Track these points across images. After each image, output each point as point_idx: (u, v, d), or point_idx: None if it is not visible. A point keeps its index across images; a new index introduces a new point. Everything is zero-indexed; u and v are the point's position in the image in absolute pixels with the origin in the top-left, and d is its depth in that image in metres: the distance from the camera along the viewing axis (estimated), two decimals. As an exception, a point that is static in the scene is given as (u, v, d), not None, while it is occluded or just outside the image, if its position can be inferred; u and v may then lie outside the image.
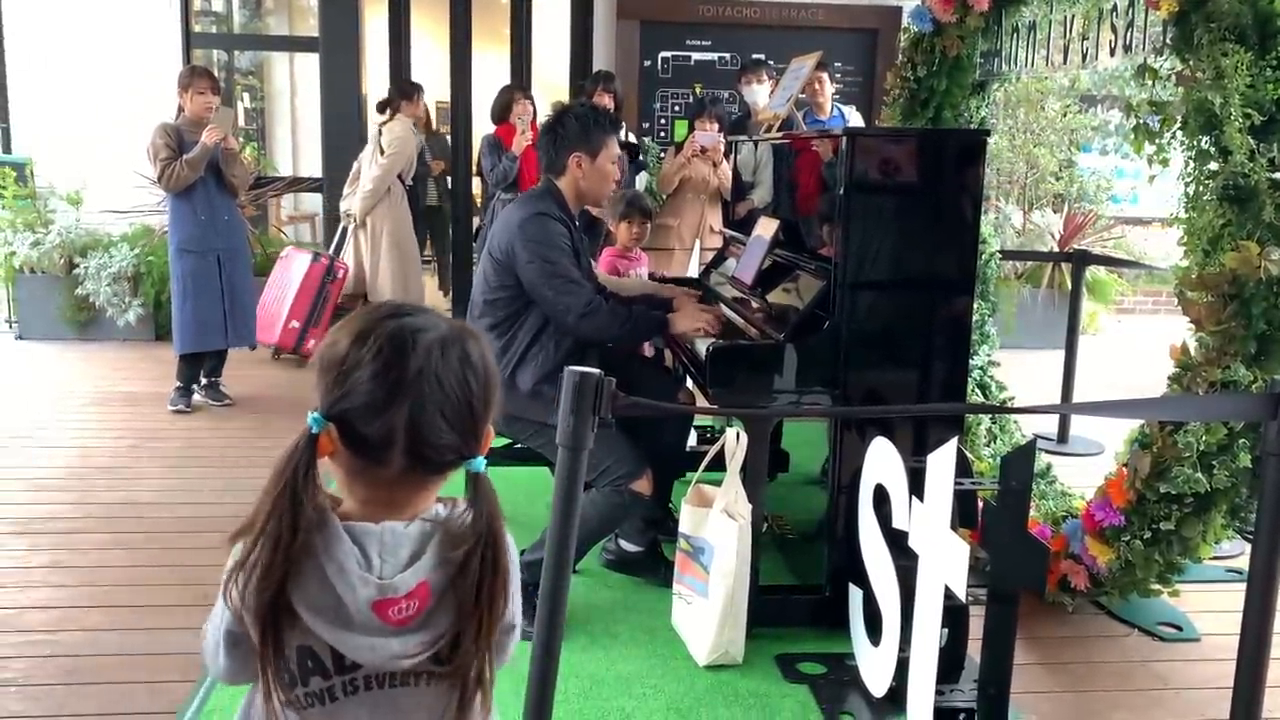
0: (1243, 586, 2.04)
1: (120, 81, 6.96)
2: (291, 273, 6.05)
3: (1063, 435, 4.91)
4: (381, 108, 6.27)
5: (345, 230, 6.29)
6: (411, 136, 6.18)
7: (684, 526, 2.83)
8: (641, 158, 5.92)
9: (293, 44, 8.55)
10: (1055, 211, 7.66)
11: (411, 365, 1.09)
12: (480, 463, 1.14)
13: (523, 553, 2.99)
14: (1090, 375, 5.29)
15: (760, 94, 5.66)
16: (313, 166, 7.68)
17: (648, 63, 7.20)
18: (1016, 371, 4.53)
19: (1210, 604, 3.18)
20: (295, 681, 1.13)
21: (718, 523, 2.72)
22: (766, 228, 3.43)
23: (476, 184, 7.23)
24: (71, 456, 4.36)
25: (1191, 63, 2.59)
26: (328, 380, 1.11)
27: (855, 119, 5.91)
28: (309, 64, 7.77)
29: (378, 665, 1.13)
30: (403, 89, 6.26)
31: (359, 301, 6.26)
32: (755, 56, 6.44)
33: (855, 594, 2.62)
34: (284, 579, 1.08)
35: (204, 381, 5.25)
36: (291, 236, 8.20)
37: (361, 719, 1.16)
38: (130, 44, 6.95)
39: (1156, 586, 2.86)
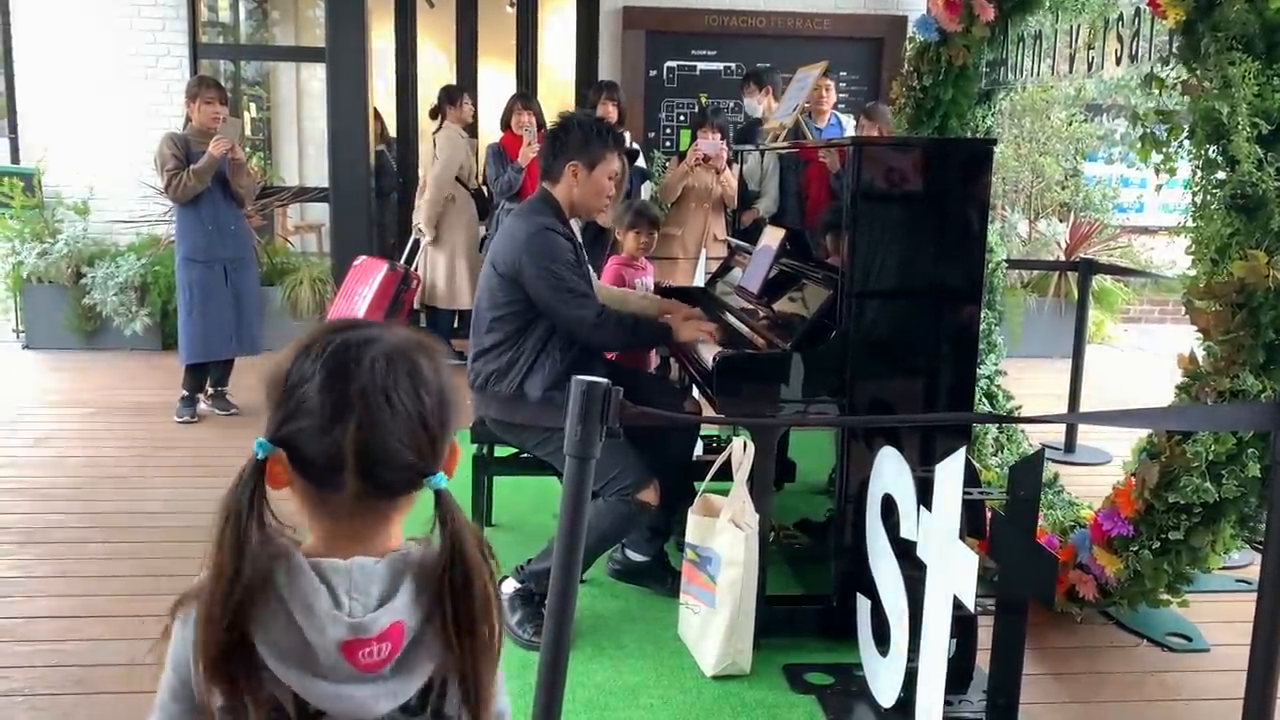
0: (1253, 596, 2.04)
1: (127, 92, 6.99)
2: (367, 281, 6.12)
3: (1070, 445, 4.90)
4: (432, 114, 6.28)
5: (417, 242, 6.33)
6: (459, 141, 6.19)
7: (691, 536, 2.82)
8: (644, 164, 5.93)
9: (299, 54, 8.57)
10: (1061, 221, 7.65)
11: (356, 380, 1.02)
12: (441, 479, 1.05)
13: (529, 562, 2.99)
14: (1097, 384, 5.28)
15: (757, 107, 5.70)
16: (319, 177, 7.69)
17: (653, 72, 7.22)
18: (1023, 380, 4.53)
19: (1220, 614, 3.16)
20: None
21: (725, 532, 2.71)
22: (773, 237, 3.43)
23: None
24: (78, 466, 4.37)
25: (1199, 72, 2.59)
26: (272, 401, 1.05)
27: (850, 128, 5.91)
28: (315, 74, 7.80)
29: (344, 714, 1.03)
30: (449, 94, 6.27)
31: (453, 315, 6.36)
32: (760, 65, 6.46)
33: (863, 604, 2.61)
34: (238, 621, 1.00)
35: (210, 391, 5.26)
36: (298, 247, 8.21)
37: None
38: (138, 55, 6.98)
39: (1165, 597, 2.85)
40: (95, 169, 6.85)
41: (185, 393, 5.13)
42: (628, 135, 5.73)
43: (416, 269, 6.29)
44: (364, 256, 6.24)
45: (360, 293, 6.11)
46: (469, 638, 1.06)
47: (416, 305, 6.34)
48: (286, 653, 1.01)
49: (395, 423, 1.03)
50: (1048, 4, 3.55)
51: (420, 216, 6.25)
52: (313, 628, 1.01)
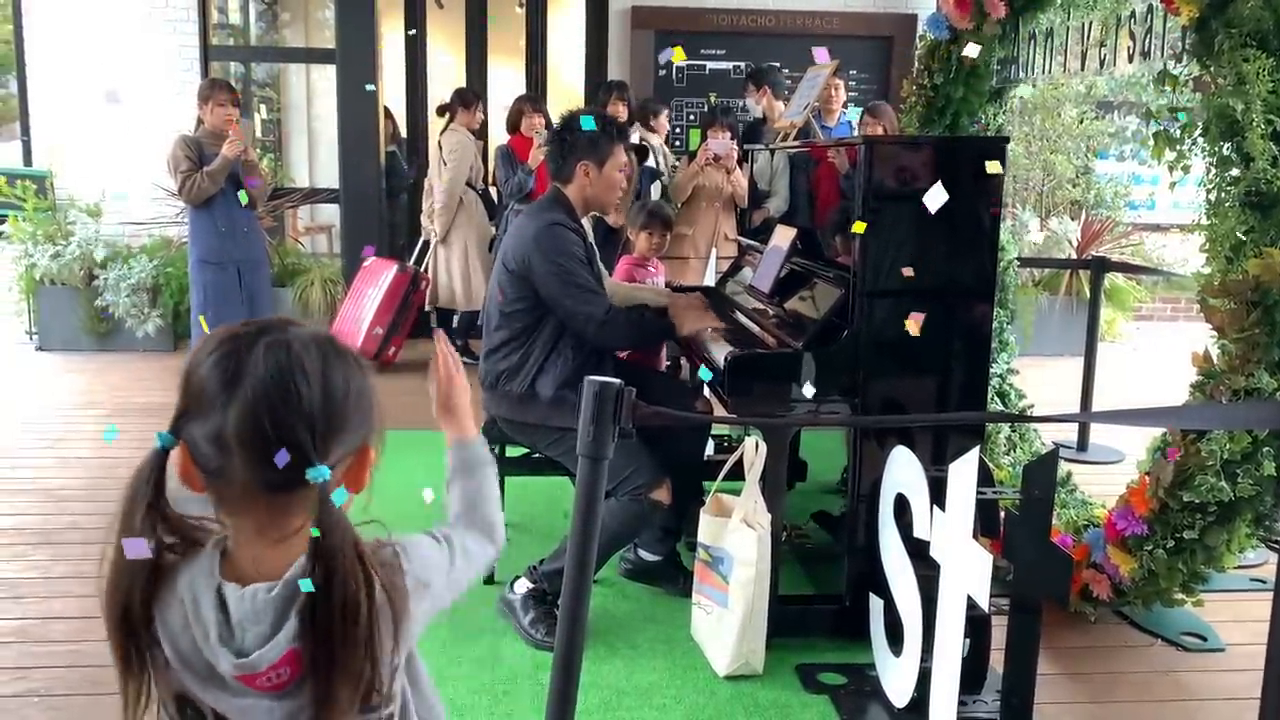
0: (1268, 595, 2.02)
1: (139, 94, 7.01)
2: (376, 282, 6.15)
3: (1083, 443, 4.88)
4: (440, 112, 6.28)
5: (427, 243, 6.35)
6: (469, 145, 6.19)
7: (703, 536, 2.82)
8: (653, 161, 5.93)
9: (310, 56, 8.60)
10: (1073, 219, 7.62)
11: (244, 368, 1.02)
12: (322, 472, 1.01)
13: (541, 562, 2.99)
14: (1110, 382, 5.25)
15: (755, 106, 5.72)
16: (330, 178, 7.71)
17: (662, 72, 7.21)
18: (1036, 379, 4.51)
19: (1235, 614, 3.15)
20: (172, 702, 1.09)
21: (737, 532, 2.71)
22: (783, 236, 3.42)
23: (492, 194, 7.26)
24: (92, 467, 4.39)
25: (1212, 69, 2.57)
26: (179, 391, 1.07)
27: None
28: (326, 75, 7.82)
29: None
30: (463, 97, 6.25)
31: (453, 316, 6.37)
32: (765, 65, 6.46)
33: (876, 604, 2.61)
34: (138, 601, 1.04)
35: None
36: (308, 248, 8.23)
37: None
38: (149, 57, 7.00)
39: (1180, 596, 2.83)
40: (107, 171, 6.87)
41: (198, 394, 5.14)
42: (653, 138, 5.76)
43: (426, 270, 6.31)
44: (373, 257, 6.27)
45: (368, 294, 6.15)
46: (323, 649, 1.02)
47: (427, 307, 6.36)
48: (186, 656, 1.03)
49: (276, 411, 1.01)
50: (1059, 1, 3.53)
51: (430, 220, 6.25)
52: (209, 651, 1.02)
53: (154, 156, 5.76)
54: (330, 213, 8.11)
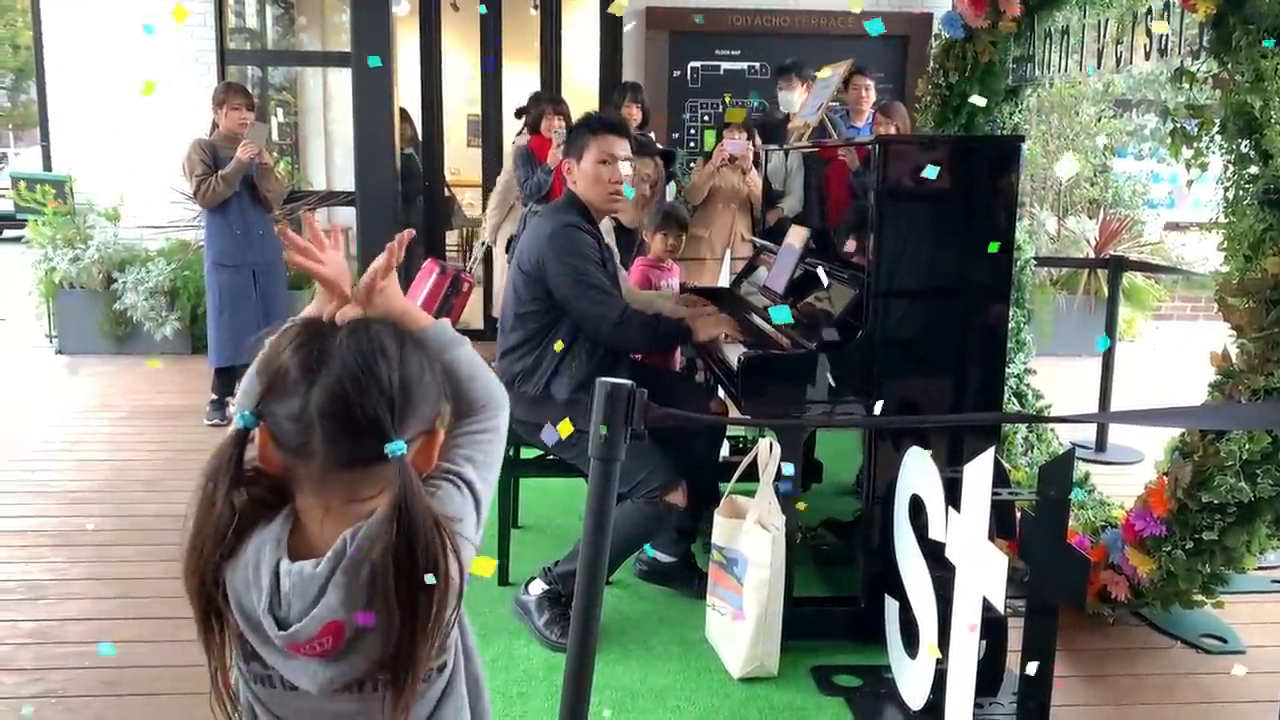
0: (1290, 598, 2.00)
1: (156, 99, 7.05)
2: (421, 285, 6.12)
3: (1100, 444, 4.85)
4: (519, 114, 6.12)
5: (489, 249, 6.33)
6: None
7: (717, 538, 2.81)
8: (674, 167, 5.91)
9: (326, 59, 8.63)
10: (1090, 217, 7.57)
11: (324, 351, 1.10)
12: (399, 446, 1.09)
13: (556, 564, 2.99)
14: (1128, 382, 5.21)
15: (795, 100, 5.65)
16: (346, 181, 7.73)
17: (677, 73, 7.20)
18: (1053, 379, 4.48)
19: (1256, 615, 3.12)
20: (243, 658, 1.17)
21: (751, 534, 2.70)
22: (798, 236, 3.41)
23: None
24: (109, 469, 4.42)
25: (1230, 65, 2.55)
26: (259, 376, 1.13)
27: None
28: (342, 79, 7.85)
29: (293, 680, 1.14)
30: (554, 103, 6.00)
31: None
32: (788, 60, 6.43)
33: (891, 605, 2.60)
34: (213, 568, 1.11)
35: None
36: (325, 250, 8.25)
37: (303, 712, 1.18)
38: (166, 61, 7.04)
39: (1199, 597, 2.81)
40: (125, 175, 6.92)
41: (214, 396, 5.17)
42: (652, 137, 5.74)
43: (473, 276, 6.25)
44: (429, 259, 6.25)
45: (415, 293, 6.11)
46: (407, 608, 1.09)
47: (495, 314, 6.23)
48: (248, 614, 1.11)
49: (360, 389, 1.09)
50: (1075, -1, 3.51)
51: (485, 226, 6.26)
52: (262, 615, 1.10)
53: (171, 160, 5.81)
54: (347, 215, 8.14)
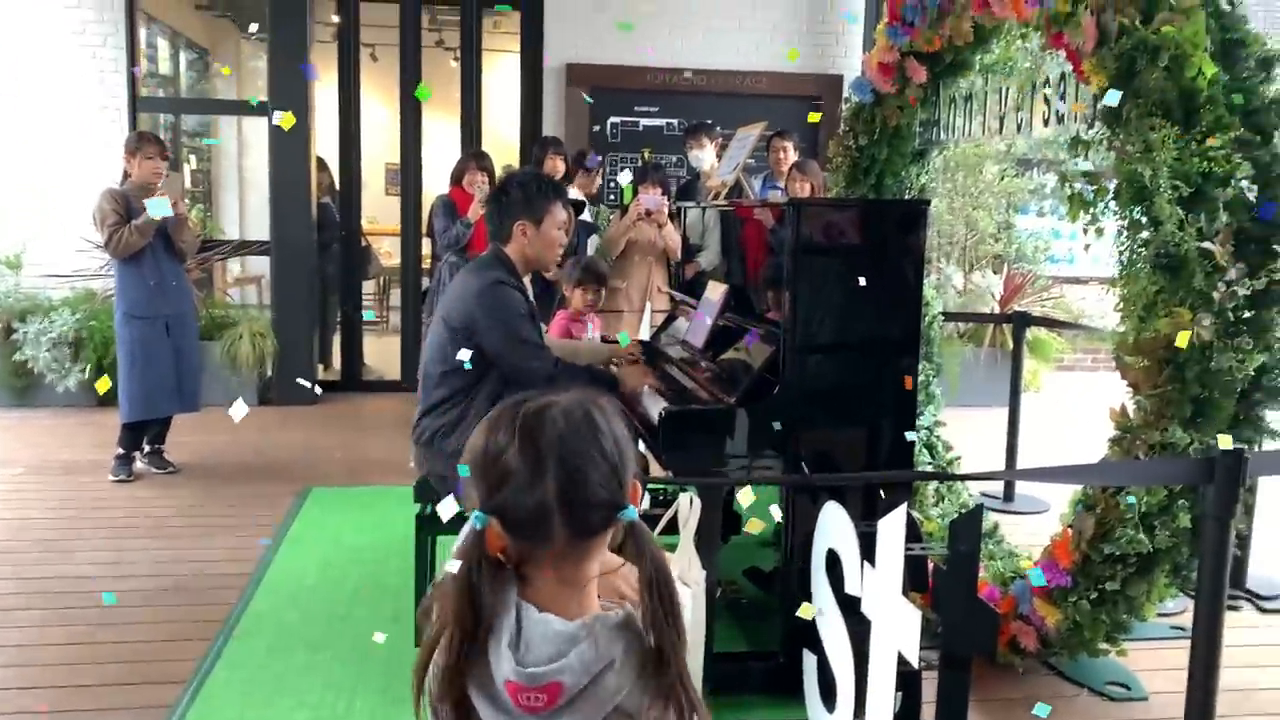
0: (1188, 643, 2.08)
1: (63, 145, 6.89)
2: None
3: (1009, 494, 4.99)
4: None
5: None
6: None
7: (638, 593, 2.81)
8: (589, 218, 5.97)
9: (241, 108, 8.54)
10: (995, 272, 7.84)
11: (547, 436, 1.15)
12: (632, 512, 1.17)
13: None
14: (1034, 432, 5.38)
15: (705, 158, 5.78)
16: (260, 228, 7.62)
17: (597, 128, 7.31)
18: (962, 430, 4.60)
19: (1157, 662, 3.22)
20: None
21: (672, 589, 2.70)
22: (715, 291, 3.47)
23: (425, 245, 7.24)
24: (7, 529, 4.24)
25: (1121, 136, 2.69)
26: (479, 477, 1.17)
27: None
28: (257, 126, 7.77)
29: None
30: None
31: None
32: (694, 122, 6.57)
33: (809, 660, 2.62)
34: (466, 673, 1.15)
35: (147, 449, 5.15)
36: (237, 300, 8.11)
37: None
38: (74, 107, 6.90)
39: (1104, 646, 2.89)
40: (28, 223, 6.73)
41: (121, 450, 5.02)
42: (571, 185, 5.80)
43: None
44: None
45: None
46: (670, 655, 1.16)
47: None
48: (484, 684, 1.15)
49: (588, 468, 1.15)
50: (977, 67, 3.67)
51: None
52: (496, 657, 1.14)
53: (78, 208, 5.67)
54: (260, 263, 8.01)
